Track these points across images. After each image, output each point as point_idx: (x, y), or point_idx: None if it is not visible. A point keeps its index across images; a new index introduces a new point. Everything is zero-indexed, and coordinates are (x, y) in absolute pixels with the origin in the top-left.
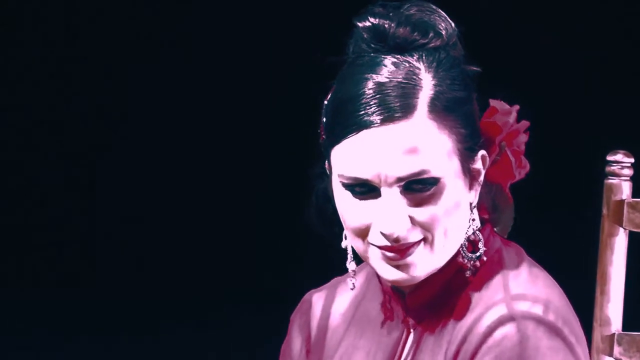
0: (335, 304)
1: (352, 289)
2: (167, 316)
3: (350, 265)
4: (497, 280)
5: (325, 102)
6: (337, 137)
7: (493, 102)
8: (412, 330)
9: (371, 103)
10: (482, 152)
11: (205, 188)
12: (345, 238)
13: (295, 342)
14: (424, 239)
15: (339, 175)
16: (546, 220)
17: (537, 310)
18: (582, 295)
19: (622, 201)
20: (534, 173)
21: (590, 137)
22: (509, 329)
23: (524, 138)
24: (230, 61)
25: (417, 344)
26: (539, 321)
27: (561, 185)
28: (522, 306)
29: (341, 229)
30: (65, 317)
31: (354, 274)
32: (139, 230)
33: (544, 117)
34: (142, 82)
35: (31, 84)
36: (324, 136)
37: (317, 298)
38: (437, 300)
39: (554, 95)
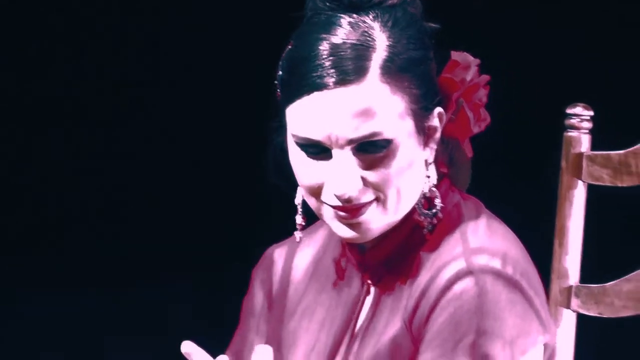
0: (296, 258)
1: (298, 242)
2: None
3: (298, 218)
4: (456, 235)
5: (282, 58)
6: (291, 96)
7: (455, 55)
8: (371, 287)
9: (324, 65)
10: (439, 109)
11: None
12: (299, 193)
13: (257, 296)
14: (377, 199)
15: (293, 135)
16: (506, 173)
17: (496, 263)
18: (541, 248)
19: (581, 154)
20: (494, 127)
21: (550, 90)
22: (467, 283)
23: (483, 92)
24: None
25: (376, 300)
26: (497, 274)
27: (520, 138)
28: (481, 260)
29: (297, 182)
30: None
31: (301, 227)
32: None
33: (504, 71)
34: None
35: None
36: (279, 92)
37: (279, 253)
38: (396, 257)
39: (515, 49)
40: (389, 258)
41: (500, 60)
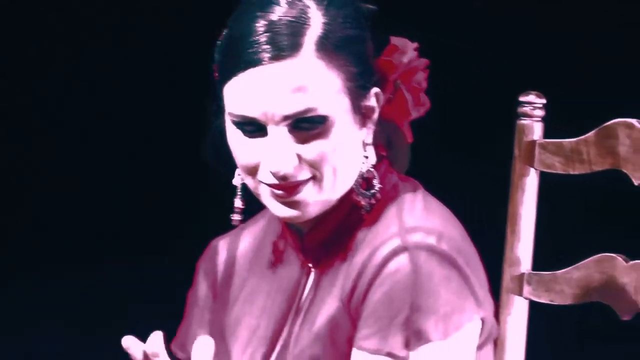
0: (240, 247)
1: (236, 225)
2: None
3: (236, 201)
4: (393, 215)
5: (219, 40)
6: (227, 74)
7: (394, 40)
8: (312, 270)
9: (260, 41)
10: (376, 89)
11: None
12: (238, 175)
13: (201, 287)
14: (313, 177)
15: (229, 114)
16: (459, 161)
17: (431, 240)
18: (493, 236)
19: (533, 142)
20: (448, 114)
21: (503, 77)
22: (402, 260)
23: (422, 76)
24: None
25: (317, 282)
26: (432, 251)
27: (473, 126)
28: (416, 237)
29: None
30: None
31: (240, 211)
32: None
33: (458, 58)
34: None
35: None
36: (217, 74)
37: (223, 243)
38: (334, 238)
39: (468, 36)
40: (328, 239)
41: (455, 48)
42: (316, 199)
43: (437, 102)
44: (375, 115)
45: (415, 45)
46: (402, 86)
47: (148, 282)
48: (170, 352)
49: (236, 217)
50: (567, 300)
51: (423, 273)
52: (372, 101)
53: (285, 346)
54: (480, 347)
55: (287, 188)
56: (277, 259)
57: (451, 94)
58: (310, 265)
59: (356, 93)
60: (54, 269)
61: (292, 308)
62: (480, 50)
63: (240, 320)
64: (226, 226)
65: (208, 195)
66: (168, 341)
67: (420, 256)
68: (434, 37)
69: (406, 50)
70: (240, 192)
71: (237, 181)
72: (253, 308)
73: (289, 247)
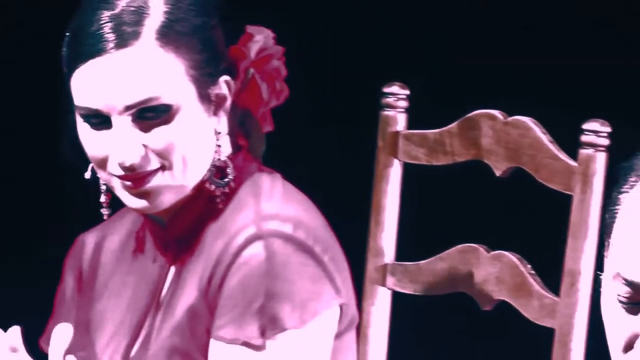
0: (107, 241)
1: (105, 218)
2: None
3: (101, 196)
4: (250, 204)
5: (66, 33)
6: (71, 67)
7: (250, 28)
8: (173, 262)
9: (100, 32)
10: (226, 77)
11: None
12: (92, 169)
13: (68, 282)
14: (162, 167)
15: (76, 107)
16: (323, 151)
17: (286, 228)
18: (358, 226)
19: (397, 133)
20: (310, 104)
21: (366, 68)
22: (256, 247)
23: (278, 63)
24: None
25: (178, 274)
26: (287, 238)
27: (338, 117)
28: (271, 225)
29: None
30: None
31: (107, 204)
32: None
33: (323, 49)
34: None
35: None
36: (64, 68)
37: (89, 238)
38: (194, 229)
39: (332, 26)
40: (188, 231)
41: (320, 37)
42: (167, 189)
43: (301, 92)
44: (228, 104)
45: (270, 33)
46: (256, 74)
47: (16, 281)
48: (40, 348)
49: (105, 211)
50: (431, 291)
51: (277, 260)
52: (222, 89)
53: (147, 338)
54: (341, 334)
55: (135, 179)
56: (139, 252)
57: (315, 85)
58: (170, 257)
59: (202, 81)
60: None
61: (153, 301)
62: (344, 41)
63: (105, 314)
64: (96, 221)
65: (73, 193)
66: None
67: (275, 244)
68: (297, 26)
69: (261, 38)
70: (102, 186)
71: (88, 175)
72: (118, 301)
73: (151, 241)
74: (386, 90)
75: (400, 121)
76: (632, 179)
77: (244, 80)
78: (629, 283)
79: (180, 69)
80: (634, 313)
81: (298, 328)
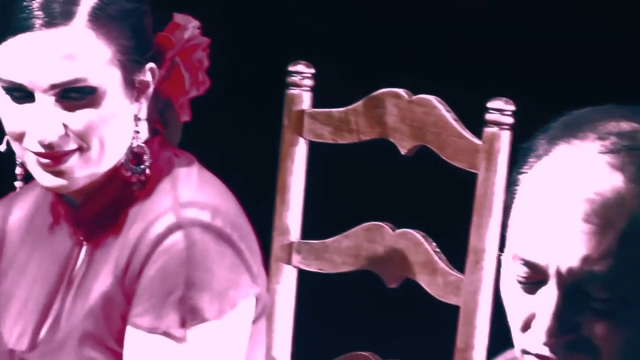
0: (12, 216)
1: (14, 201)
2: None
3: (17, 168)
4: (167, 190)
5: None
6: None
7: (177, 17)
8: (84, 243)
9: (32, 7)
10: (151, 65)
11: None
12: (7, 141)
13: None
14: (80, 148)
15: (0, 79)
16: (229, 131)
17: (205, 216)
18: (263, 205)
19: (302, 111)
20: (217, 85)
21: (273, 48)
22: (176, 236)
23: (203, 54)
24: None
25: (89, 256)
26: (207, 227)
27: (244, 96)
28: (190, 213)
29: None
30: None
31: (21, 178)
32: None
33: (227, 28)
34: None
35: None
36: None
37: None
38: (107, 213)
39: (236, 2)
40: (101, 213)
41: (224, 18)
42: (82, 170)
43: (208, 72)
44: (150, 91)
45: (197, 23)
46: (180, 63)
47: None
48: None
49: (18, 184)
50: (337, 269)
51: (197, 249)
52: (146, 76)
53: (56, 320)
54: (255, 320)
55: (52, 157)
56: (49, 230)
57: (221, 64)
58: (82, 238)
59: (129, 67)
60: None
61: (63, 280)
62: (249, 18)
63: (12, 292)
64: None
65: None
66: None
67: (195, 233)
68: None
69: (187, 28)
70: (18, 158)
71: (3, 147)
72: (25, 279)
73: (61, 219)
74: (291, 68)
75: (305, 100)
76: (531, 159)
77: (168, 68)
78: (526, 263)
79: (109, 54)
80: (532, 293)
81: (217, 319)
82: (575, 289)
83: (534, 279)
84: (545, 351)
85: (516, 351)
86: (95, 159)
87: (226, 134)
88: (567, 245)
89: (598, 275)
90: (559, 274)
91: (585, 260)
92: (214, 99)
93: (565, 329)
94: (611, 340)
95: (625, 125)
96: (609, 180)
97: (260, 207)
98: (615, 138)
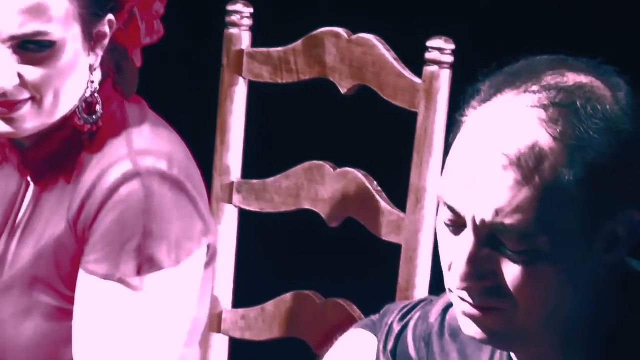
0: None
1: None
2: None
3: None
4: (121, 137)
5: None
6: None
7: None
8: (31, 184)
9: None
10: (110, 17)
11: None
12: None
13: None
14: (33, 98)
15: None
16: (168, 73)
17: (162, 165)
18: (204, 146)
19: (241, 51)
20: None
21: None
22: (134, 185)
23: (160, 5)
24: None
25: (37, 198)
26: (164, 176)
27: (185, 37)
28: (147, 161)
29: None
30: None
31: None
32: None
33: None
34: None
35: None
36: None
37: None
38: (57, 157)
39: None
40: (50, 157)
41: None
42: (33, 120)
43: None
44: (106, 41)
45: None
46: (138, 14)
47: None
48: None
49: None
50: (277, 208)
51: (155, 199)
52: (104, 27)
53: (1, 263)
54: (205, 266)
55: (5, 105)
56: (4, 162)
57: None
58: (29, 179)
59: (88, 20)
60: None
61: (9, 222)
62: None
63: None
64: None
65: None
66: None
67: (154, 182)
68: None
69: None
70: None
71: None
72: None
73: (8, 159)
74: (230, 8)
75: (244, 39)
76: (473, 103)
77: (126, 19)
78: (448, 206)
79: (71, 8)
80: (457, 235)
81: (173, 267)
82: (490, 239)
83: (457, 223)
84: (464, 294)
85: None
86: (48, 110)
87: (166, 75)
88: (483, 196)
89: (510, 228)
90: (474, 222)
91: (498, 212)
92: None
93: (480, 275)
94: (526, 290)
95: (569, 80)
96: (533, 135)
97: (200, 148)
98: (550, 92)
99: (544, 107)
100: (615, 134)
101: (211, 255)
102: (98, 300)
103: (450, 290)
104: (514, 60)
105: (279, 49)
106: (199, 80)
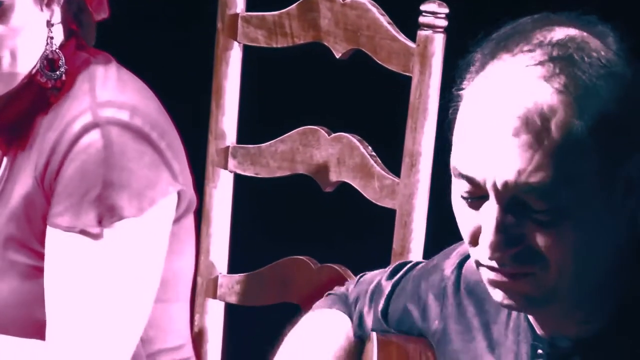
0: None
1: None
2: None
3: None
4: (85, 90)
5: None
6: None
7: None
8: (5, 153)
9: None
10: None
11: None
12: None
13: None
14: None
15: None
16: (164, 36)
17: (123, 115)
18: (199, 110)
19: (236, 15)
20: None
21: None
22: (93, 135)
23: None
24: None
25: (11, 162)
26: (124, 126)
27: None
28: (107, 112)
29: None
30: None
31: None
32: None
33: None
34: None
35: None
36: None
37: None
38: (25, 119)
39: None
40: (19, 120)
41: None
42: None
43: None
44: None
45: None
46: None
47: None
48: None
49: None
50: (272, 173)
51: (115, 149)
52: None
53: None
54: (179, 219)
55: None
56: None
57: None
58: (3, 146)
59: None
60: None
61: None
62: None
63: None
64: None
65: None
66: None
67: (112, 132)
68: None
69: None
70: None
71: None
72: None
73: None
74: None
75: (239, 3)
76: (469, 75)
77: None
78: (466, 178)
79: None
80: (476, 208)
81: (136, 217)
82: (514, 202)
83: (476, 194)
84: (494, 263)
85: (472, 262)
86: (7, 69)
87: (161, 38)
88: (501, 159)
89: (534, 187)
90: (495, 188)
91: (519, 173)
92: (148, 3)
93: (509, 242)
94: (555, 249)
95: (559, 34)
96: (537, 93)
97: (196, 111)
98: (545, 49)
99: (542, 64)
100: (616, 78)
101: (186, 206)
102: (64, 253)
103: (479, 264)
104: (500, 26)
105: (274, 12)
106: (193, 44)
